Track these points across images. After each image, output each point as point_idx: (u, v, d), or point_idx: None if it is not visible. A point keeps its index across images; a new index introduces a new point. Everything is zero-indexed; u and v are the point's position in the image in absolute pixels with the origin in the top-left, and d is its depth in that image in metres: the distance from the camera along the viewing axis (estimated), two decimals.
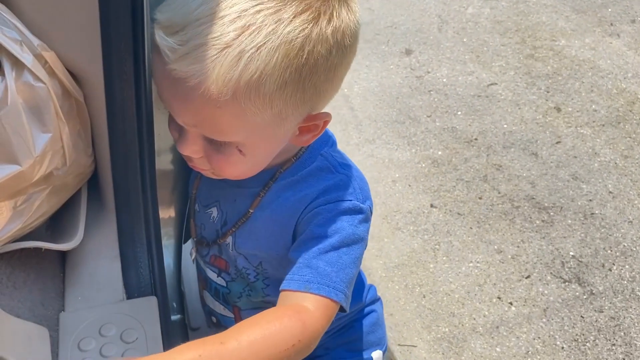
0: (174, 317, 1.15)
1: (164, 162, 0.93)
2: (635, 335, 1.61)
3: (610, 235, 1.87)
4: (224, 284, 0.91)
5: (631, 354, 1.57)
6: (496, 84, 2.50)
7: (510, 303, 1.69)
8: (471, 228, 1.90)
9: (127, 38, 0.70)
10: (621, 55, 2.62)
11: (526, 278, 1.76)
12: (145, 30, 0.69)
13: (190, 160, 0.76)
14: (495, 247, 1.85)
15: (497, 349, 1.58)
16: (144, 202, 0.87)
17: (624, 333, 1.62)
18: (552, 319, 1.65)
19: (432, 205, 1.98)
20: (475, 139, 2.24)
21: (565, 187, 2.03)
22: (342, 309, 0.72)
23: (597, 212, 1.94)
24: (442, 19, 2.91)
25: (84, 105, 0.81)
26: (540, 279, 1.75)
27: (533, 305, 1.69)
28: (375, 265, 1.78)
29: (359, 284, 0.99)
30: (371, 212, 0.79)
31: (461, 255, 1.82)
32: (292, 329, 0.64)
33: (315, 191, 0.77)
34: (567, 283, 1.74)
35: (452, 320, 1.65)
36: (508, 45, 2.72)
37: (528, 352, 1.58)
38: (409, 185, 2.05)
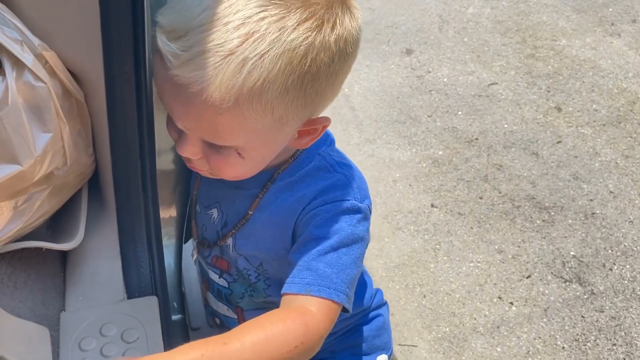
0: (174, 317, 1.15)
1: (164, 161, 0.93)
2: (636, 335, 1.61)
3: (611, 235, 1.87)
4: (226, 285, 0.91)
5: (632, 353, 1.57)
6: (497, 83, 2.50)
7: (511, 303, 1.69)
8: (472, 228, 1.90)
9: (127, 37, 0.70)
10: (622, 55, 2.62)
11: (527, 278, 1.76)
12: (145, 29, 0.69)
13: (189, 161, 0.76)
14: (496, 246, 1.84)
15: (498, 349, 1.58)
16: (145, 201, 0.87)
17: (625, 333, 1.62)
18: (553, 319, 1.65)
19: (432, 205, 1.98)
20: (476, 139, 2.23)
21: (566, 187, 2.03)
22: (345, 310, 0.72)
23: (597, 212, 1.94)
24: (442, 19, 2.91)
25: (85, 105, 0.81)
26: (540, 279, 1.75)
27: (534, 305, 1.68)
28: (375, 265, 1.78)
29: (364, 287, 0.99)
30: (370, 211, 0.79)
31: (462, 255, 1.82)
32: (295, 330, 0.64)
33: (313, 191, 0.76)
34: (567, 283, 1.74)
35: (452, 320, 1.65)
36: (509, 45, 2.72)
37: (529, 352, 1.58)
38: (410, 185, 2.05)
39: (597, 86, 2.46)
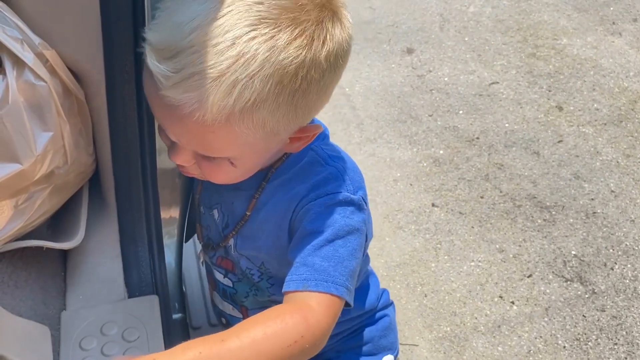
0: (175, 316, 1.15)
1: (165, 161, 0.93)
2: (637, 335, 1.61)
3: (612, 234, 1.87)
4: (231, 285, 0.91)
5: (633, 353, 1.57)
6: (498, 82, 2.50)
7: (512, 302, 1.69)
8: (473, 227, 1.90)
9: (128, 36, 0.70)
10: (623, 54, 2.62)
11: (528, 277, 1.75)
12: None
13: (181, 166, 0.76)
14: (497, 246, 1.84)
15: (499, 348, 1.58)
16: (145, 201, 0.87)
17: (626, 332, 1.61)
18: (554, 318, 1.65)
19: (433, 205, 1.98)
20: (477, 138, 2.23)
21: (567, 186, 2.03)
22: (347, 304, 0.72)
23: (599, 211, 1.94)
24: (443, 18, 2.90)
25: (85, 103, 0.81)
26: (542, 278, 1.75)
27: (535, 305, 1.68)
28: (376, 264, 1.78)
29: (369, 286, 0.99)
30: (365, 202, 0.78)
31: (463, 255, 1.82)
32: (294, 325, 0.64)
33: (306, 187, 0.76)
34: (569, 282, 1.74)
35: (453, 320, 1.65)
36: (510, 44, 2.72)
37: (530, 351, 1.58)
38: (411, 185, 2.05)
39: (598, 85, 2.46)
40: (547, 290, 1.72)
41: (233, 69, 0.60)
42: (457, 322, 1.65)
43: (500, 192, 2.02)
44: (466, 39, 2.76)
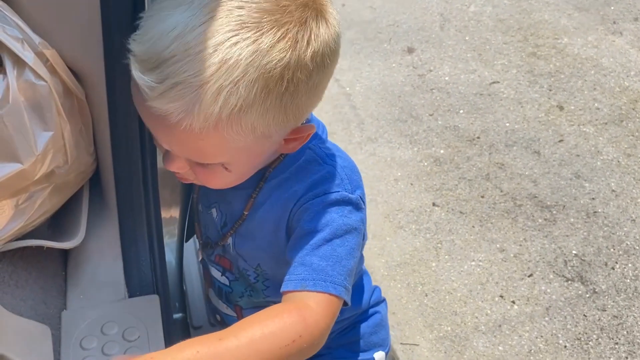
0: (175, 316, 1.15)
1: None
2: (638, 334, 1.61)
3: (613, 233, 1.87)
4: (227, 283, 0.91)
5: (634, 352, 1.57)
6: (498, 82, 2.50)
7: (513, 302, 1.69)
8: (473, 227, 1.90)
9: (128, 36, 0.70)
10: (624, 53, 2.62)
11: (529, 276, 1.75)
12: None
13: (177, 172, 0.76)
14: (498, 245, 1.84)
15: (500, 348, 1.58)
16: (146, 200, 0.87)
17: (627, 332, 1.61)
18: (555, 318, 1.65)
19: (434, 204, 1.98)
20: (478, 138, 2.23)
21: (568, 185, 2.03)
22: (344, 303, 0.72)
23: (599, 210, 1.94)
24: (444, 17, 2.90)
25: (86, 103, 0.81)
26: (542, 278, 1.75)
27: (535, 304, 1.68)
28: (377, 264, 1.78)
29: (363, 285, 0.99)
30: (363, 202, 0.78)
31: (463, 254, 1.82)
32: (292, 324, 0.64)
33: (304, 186, 0.76)
34: (569, 282, 1.74)
35: (454, 319, 1.65)
36: (510, 43, 2.72)
37: (531, 350, 1.58)
38: (411, 184, 2.05)
39: (599, 84, 2.46)
40: (548, 290, 1.72)
41: (217, 76, 0.59)
42: (458, 321, 1.64)
43: (501, 191, 2.01)
44: (467, 38, 2.76)
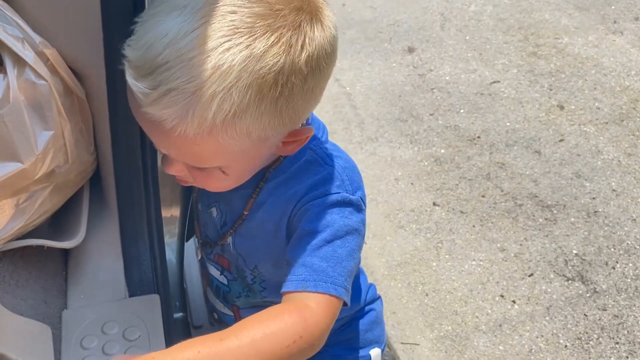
0: (176, 315, 1.15)
1: None
2: (638, 334, 1.61)
3: (613, 233, 1.87)
4: (226, 283, 0.91)
5: (635, 352, 1.57)
6: (499, 81, 2.50)
7: (513, 301, 1.69)
8: (474, 226, 1.90)
9: (128, 35, 0.70)
10: (624, 52, 2.62)
11: (529, 276, 1.75)
12: None
13: (177, 175, 0.76)
14: (498, 245, 1.84)
15: (500, 347, 1.58)
16: (147, 200, 0.87)
17: (628, 331, 1.61)
18: (555, 317, 1.65)
19: (434, 204, 1.98)
20: (478, 137, 2.23)
21: (569, 185, 2.03)
22: (344, 303, 0.72)
23: (600, 210, 1.94)
24: (444, 17, 2.90)
25: (86, 102, 0.81)
26: (543, 277, 1.75)
27: (536, 304, 1.68)
28: (377, 263, 1.78)
29: (359, 284, 0.99)
30: (364, 203, 0.78)
31: (464, 254, 1.82)
32: (293, 325, 0.64)
33: (305, 187, 0.76)
34: (570, 281, 1.74)
35: (454, 319, 1.65)
36: (511, 43, 2.72)
37: (531, 350, 1.57)
38: (412, 184, 2.05)
39: (599, 84, 2.45)
40: (549, 290, 1.72)
41: (210, 82, 0.59)
42: (459, 321, 1.64)
43: (502, 191, 2.01)
44: (467, 37, 2.76)
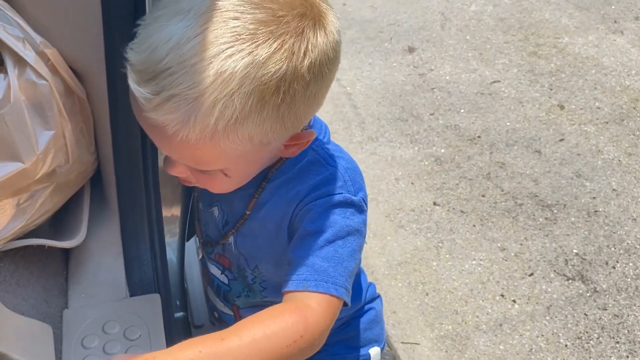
0: (177, 315, 1.15)
1: None
2: (639, 333, 1.61)
3: (614, 232, 1.87)
4: (226, 282, 0.91)
5: (635, 351, 1.57)
6: (499, 81, 2.50)
7: (514, 301, 1.69)
8: (474, 226, 1.90)
9: (129, 35, 0.70)
10: (625, 52, 2.62)
11: (529, 276, 1.75)
12: None
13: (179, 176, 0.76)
14: (499, 244, 1.84)
15: (501, 347, 1.58)
16: (147, 199, 0.87)
17: (628, 331, 1.61)
18: (556, 317, 1.65)
19: (435, 203, 1.98)
20: (479, 137, 2.23)
21: (569, 184, 2.03)
22: (344, 304, 0.72)
23: (600, 209, 1.94)
24: (445, 17, 2.90)
25: (87, 102, 0.81)
26: (543, 277, 1.75)
27: (536, 303, 1.68)
28: (378, 263, 1.78)
29: (360, 285, 0.99)
30: (365, 204, 0.78)
31: (464, 253, 1.82)
32: (294, 325, 0.64)
33: (307, 187, 0.76)
34: (570, 281, 1.74)
35: (455, 318, 1.65)
36: (511, 42, 2.72)
37: (532, 349, 1.58)
38: (412, 183, 2.05)
39: (599, 84, 2.45)
40: (549, 289, 1.72)
41: (212, 89, 0.59)
42: (459, 320, 1.65)
43: (502, 190, 2.01)
44: (467, 37, 2.76)
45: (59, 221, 0.90)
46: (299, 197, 0.76)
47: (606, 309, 1.67)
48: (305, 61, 0.62)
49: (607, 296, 1.70)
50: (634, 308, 1.67)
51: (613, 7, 2.90)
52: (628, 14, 2.85)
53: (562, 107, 2.35)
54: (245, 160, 0.70)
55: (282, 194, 0.78)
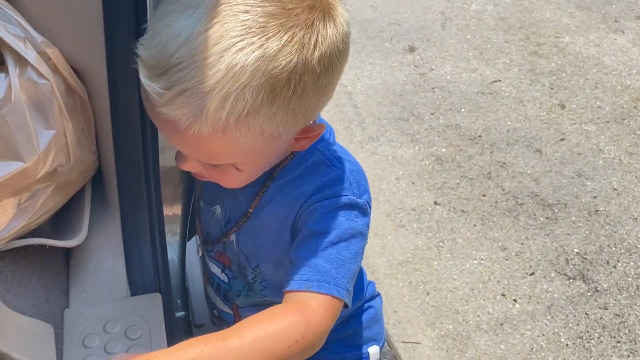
0: (178, 314, 1.15)
1: (167, 159, 0.93)
2: None
3: (614, 232, 1.87)
4: (226, 281, 0.91)
5: (636, 351, 1.57)
6: (500, 81, 2.50)
7: (515, 300, 1.69)
8: (475, 225, 1.90)
9: (130, 34, 0.70)
10: (625, 51, 2.62)
11: (530, 275, 1.75)
12: None
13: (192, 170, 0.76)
14: (499, 244, 1.84)
15: (502, 346, 1.58)
16: (148, 199, 0.87)
17: (629, 330, 1.61)
18: (557, 316, 1.65)
19: (435, 203, 1.98)
20: (479, 136, 2.23)
21: (570, 184, 2.03)
22: (344, 305, 0.72)
23: (601, 209, 1.94)
24: (445, 16, 2.90)
25: (88, 102, 0.81)
26: (544, 276, 1.75)
27: (537, 303, 1.68)
28: (378, 262, 1.78)
29: (360, 284, 0.99)
30: (369, 206, 0.79)
31: (465, 253, 1.82)
32: (295, 325, 0.64)
33: (312, 187, 0.77)
34: (571, 280, 1.74)
35: (456, 318, 1.65)
36: (512, 42, 2.71)
37: (532, 349, 1.58)
38: (413, 183, 2.05)
39: (600, 83, 2.45)
40: (550, 288, 1.72)
41: (223, 83, 0.59)
42: (460, 320, 1.64)
43: (503, 190, 2.01)
44: (468, 37, 2.76)
45: (60, 221, 0.90)
46: (303, 197, 0.76)
47: (607, 309, 1.66)
48: (316, 53, 0.63)
49: (608, 296, 1.69)
50: (635, 307, 1.67)
51: (614, 6, 2.89)
52: (629, 13, 2.85)
53: (563, 107, 2.35)
54: (257, 154, 0.70)
55: (286, 193, 0.78)
